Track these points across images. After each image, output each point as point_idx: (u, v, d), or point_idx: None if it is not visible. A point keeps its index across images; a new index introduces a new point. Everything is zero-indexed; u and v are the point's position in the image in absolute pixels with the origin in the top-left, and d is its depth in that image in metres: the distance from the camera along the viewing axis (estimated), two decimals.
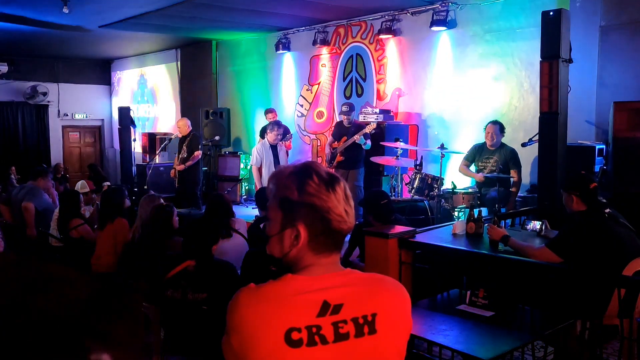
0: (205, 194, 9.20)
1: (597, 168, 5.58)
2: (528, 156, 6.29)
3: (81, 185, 7.12)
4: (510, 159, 6.09)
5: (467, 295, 3.24)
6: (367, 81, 8.74)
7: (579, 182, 3.60)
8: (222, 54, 11.45)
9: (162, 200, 4.59)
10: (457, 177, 6.68)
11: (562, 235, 3.53)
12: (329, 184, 1.36)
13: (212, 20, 9.10)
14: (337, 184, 1.38)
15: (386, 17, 8.21)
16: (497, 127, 6.18)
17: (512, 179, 6.06)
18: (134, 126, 9.69)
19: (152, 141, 11.45)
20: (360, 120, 7.85)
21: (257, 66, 10.65)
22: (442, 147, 6.57)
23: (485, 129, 6.28)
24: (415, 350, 3.03)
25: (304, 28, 9.45)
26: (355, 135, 7.14)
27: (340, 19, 8.86)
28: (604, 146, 5.76)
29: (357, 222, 1.44)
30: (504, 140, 6.30)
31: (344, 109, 7.42)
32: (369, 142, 7.17)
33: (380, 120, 7.73)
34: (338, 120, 8.18)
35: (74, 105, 14.27)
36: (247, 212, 8.28)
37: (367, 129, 7.06)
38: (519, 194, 6.22)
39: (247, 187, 10.28)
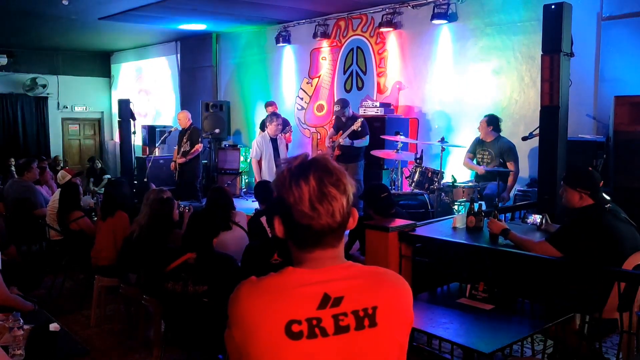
0: (206, 187, 9.19)
1: (597, 162, 5.57)
2: (528, 150, 6.29)
3: (61, 176, 7.06)
4: (506, 151, 6.14)
5: (467, 288, 3.24)
6: (367, 74, 8.72)
7: (589, 180, 3.50)
8: (222, 46, 11.41)
9: (170, 194, 4.52)
10: (458, 171, 6.69)
11: (563, 229, 3.53)
12: (293, 178, 1.32)
13: (213, 12, 9.07)
14: (304, 179, 1.31)
15: (387, 10, 8.18)
16: (485, 120, 6.32)
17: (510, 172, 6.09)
18: (134, 118, 9.68)
19: (152, 134, 11.42)
20: (360, 113, 7.83)
21: (257, 59, 10.62)
22: (442, 140, 6.57)
23: None
24: (415, 343, 3.05)
25: (304, 21, 9.41)
26: (340, 139, 7.15)
27: (341, 11, 8.83)
28: (604, 140, 5.76)
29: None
30: (504, 133, 6.30)
31: (335, 108, 7.46)
32: (358, 141, 7.14)
33: (381, 113, 7.72)
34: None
35: (74, 98, 14.25)
36: (247, 205, 8.28)
37: (354, 127, 7.05)
38: (519, 188, 6.23)
39: (247, 180, 10.28)
